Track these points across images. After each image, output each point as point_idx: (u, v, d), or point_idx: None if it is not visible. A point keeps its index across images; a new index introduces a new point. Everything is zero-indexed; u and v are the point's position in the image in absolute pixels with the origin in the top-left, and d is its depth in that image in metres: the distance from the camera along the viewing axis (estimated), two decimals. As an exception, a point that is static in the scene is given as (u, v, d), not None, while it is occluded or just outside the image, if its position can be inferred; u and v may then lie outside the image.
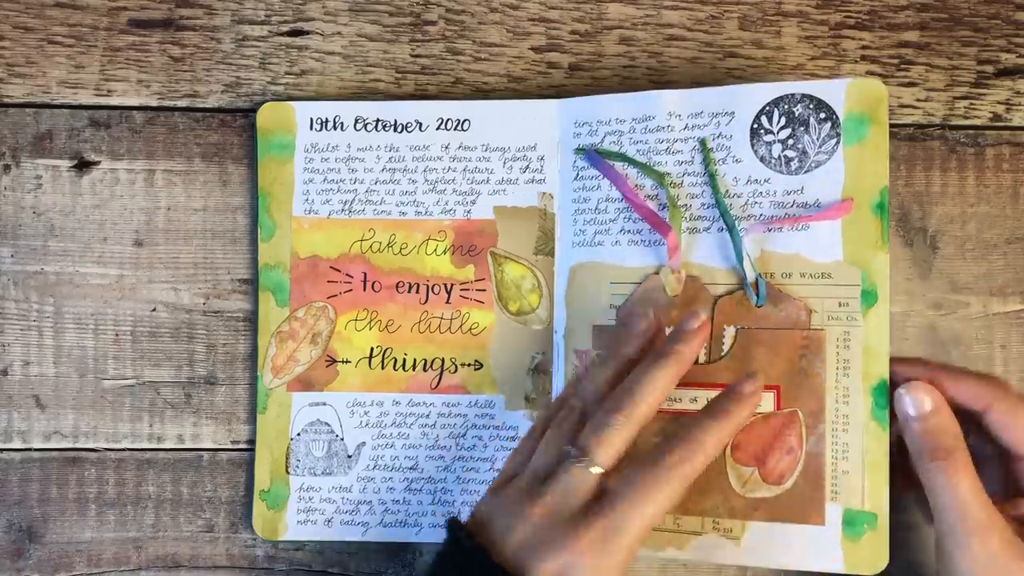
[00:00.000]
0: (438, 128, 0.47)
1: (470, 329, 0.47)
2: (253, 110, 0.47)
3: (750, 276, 0.43)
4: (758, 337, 0.43)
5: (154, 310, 0.48)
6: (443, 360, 0.47)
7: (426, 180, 0.47)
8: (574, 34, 0.48)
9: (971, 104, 0.48)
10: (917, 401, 0.40)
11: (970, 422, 0.41)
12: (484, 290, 0.47)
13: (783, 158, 0.43)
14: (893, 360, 0.42)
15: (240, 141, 0.48)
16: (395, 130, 0.47)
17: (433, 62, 0.48)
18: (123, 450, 0.48)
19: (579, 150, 0.46)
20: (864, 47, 0.48)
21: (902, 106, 0.48)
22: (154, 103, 0.48)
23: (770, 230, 0.43)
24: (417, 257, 0.47)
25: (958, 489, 0.38)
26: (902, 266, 0.48)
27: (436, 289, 0.47)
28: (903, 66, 0.48)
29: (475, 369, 0.47)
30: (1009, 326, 0.48)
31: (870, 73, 0.48)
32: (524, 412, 0.46)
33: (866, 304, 0.43)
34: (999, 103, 0.48)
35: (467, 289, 0.47)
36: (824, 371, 0.43)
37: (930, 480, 0.39)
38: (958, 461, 0.38)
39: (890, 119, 0.48)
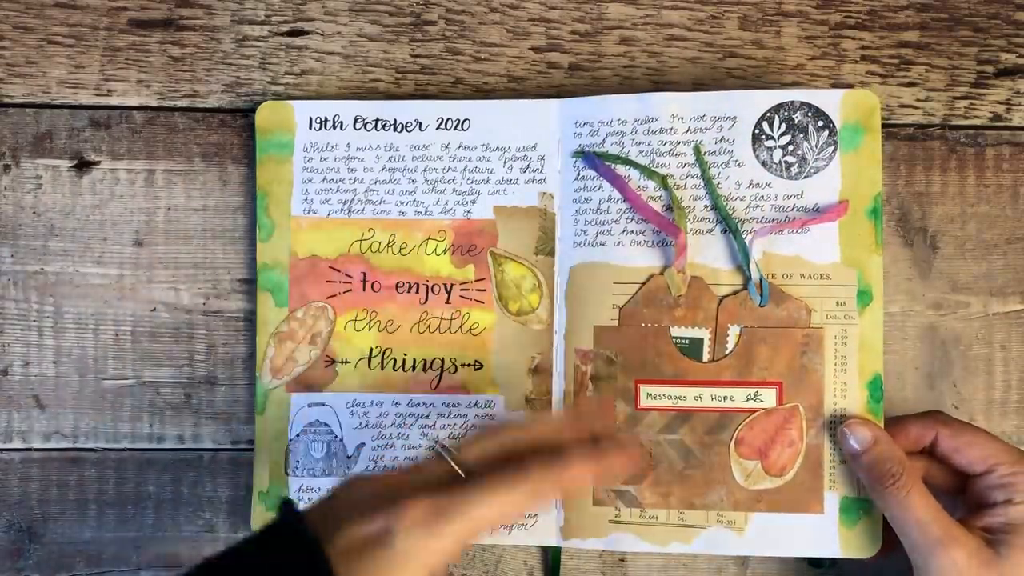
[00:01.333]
0: (438, 128, 0.47)
1: (470, 329, 0.47)
2: (253, 110, 0.47)
3: (755, 276, 0.44)
4: (760, 335, 0.44)
5: (154, 310, 0.48)
6: (443, 360, 0.47)
7: (426, 180, 0.47)
8: (574, 34, 0.48)
9: (971, 104, 0.48)
10: (859, 436, 0.42)
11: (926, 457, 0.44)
12: (484, 290, 0.47)
13: (783, 163, 0.45)
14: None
15: (240, 141, 0.48)
16: (395, 130, 0.47)
17: (433, 62, 0.48)
18: (123, 450, 0.48)
19: (578, 153, 0.46)
20: (864, 47, 0.48)
21: (902, 106, 0.48)
22: (154, 103, 0.48)
23: (771, 232, 0.44)
24: (417, 257, 0.47)
25: (912, 509, 0.40)
26: (902, 266, 0.48)
27: (436, 289, 0.47)
28: (903, 66, 0.48)
29: (475, 369, 0.47)
30: (1009, 326, 0.48)
31: (870, 73, 0.48)
32: (524, 412, 0.46)
33: (862, 303, 0.44)
34: (999, 103, 0.48)
35: (467, 289, 0.47)
36: (823, 367, 0.44)
37: (886, 505, 0.41)
38: (907, 483, 0.40)
39: (890, 119, 0.48)
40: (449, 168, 0.47)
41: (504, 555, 0.48)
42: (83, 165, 0.48)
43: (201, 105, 0.48)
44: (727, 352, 0.45)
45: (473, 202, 0.47)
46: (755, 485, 0.44)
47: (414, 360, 0.47)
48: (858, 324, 0.44)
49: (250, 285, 0.48)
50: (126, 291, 0.48)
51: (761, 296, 0.44)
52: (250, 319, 0.48)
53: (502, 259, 0.47)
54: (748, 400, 0.44)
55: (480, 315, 0.47)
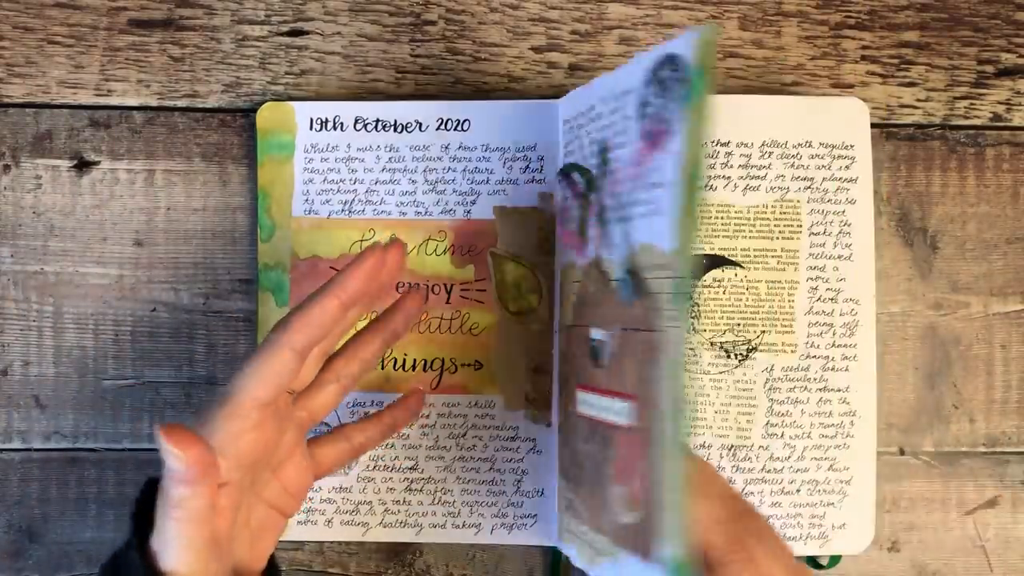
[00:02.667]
0: (438, 128, 0.47)
1: (470, 329, 0.47)
2: (253, 110, 0.47)
3: (617, 273, 0.37)
4: (627, 339, 0.36)
5: (154, 310, 0.48)
6: (443, 360, 0.47)
7: (426, 180, 0.47)
8: (574, 34, 0.48)
9: (971, 104, 0.48)
10: None
11: None
12: (484, 290, 0.47)
13: (649, 134, 0.34)
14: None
15: (240, 141, 0.48)
16: (395, 130, 0.47)
17: (433, 62, 0.48)
18: (123, 450, 0.48)
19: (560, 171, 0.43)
20: (864, 47, 0.48)
21: (902, 106, 0.48)
22: (154, 103, 0.48)
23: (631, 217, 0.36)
24: (417, 257, 0.47)
25: None
26: (902, 266, 0.48)
27: (436, 289, 0.47)
28: (903, 66, 0.48)
29: (475, 369, 0.47)
30: (1009, 326, 0.48)
31: (870, 73, 0.48)
32: (524, 412, 0.46)
33: (677, 303, 0.33)
34: (999, 103, 0.48)
35: (467, 289, 0.47)
36: (662, 381, 0.33)
37: None
38: None
39: (890, 119, 0.48)
40: (449, 168, 0.47)
41: (504, 555, 0.48)
42: (83, 165, 0.48)
43: (201, 105, 0.48)
44: (608, 356, 0.37)
45: (473, 202, 0.47)
46: (622, 518, 0.35)
47: (414, 360, 0.47)
48: (680, 328, 0.32)
49: (250, 285, 0.48)
50: (126, 291, 0.48)
51: (625, 294, 0.36)
52: (250, 319, 0.48)
53: (502, 259, 0.47)
54: (614, 414, 0.36)
55: (480, 315, 0.47)
